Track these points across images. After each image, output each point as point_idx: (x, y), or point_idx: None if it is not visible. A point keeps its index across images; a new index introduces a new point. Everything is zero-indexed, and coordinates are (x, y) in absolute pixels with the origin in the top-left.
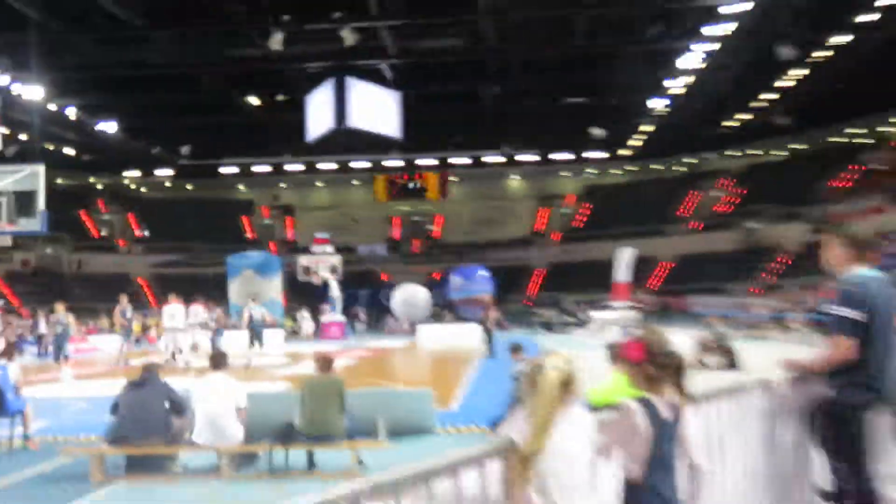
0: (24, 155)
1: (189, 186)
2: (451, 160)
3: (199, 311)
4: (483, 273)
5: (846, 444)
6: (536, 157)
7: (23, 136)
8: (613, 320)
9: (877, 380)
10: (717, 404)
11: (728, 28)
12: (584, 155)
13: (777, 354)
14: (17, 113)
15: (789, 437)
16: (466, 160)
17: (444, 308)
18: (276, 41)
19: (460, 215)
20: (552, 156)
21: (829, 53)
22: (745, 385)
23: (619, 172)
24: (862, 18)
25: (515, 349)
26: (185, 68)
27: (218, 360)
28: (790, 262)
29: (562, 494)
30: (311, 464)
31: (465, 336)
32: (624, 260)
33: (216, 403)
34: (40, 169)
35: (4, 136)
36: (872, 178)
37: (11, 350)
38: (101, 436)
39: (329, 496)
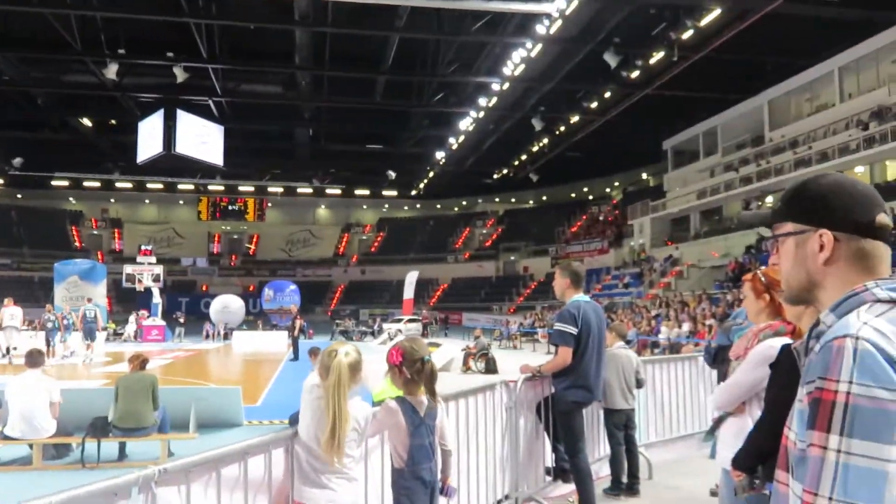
0: None
1: (19, 195)
2: (269, 188)
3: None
4: (292, 287)
5: (566, 431)
6: (341, 191)
7: None
8: (399, 331)
9: (589, 381)
10: (473, 400)
11: (492, 101)
12: (381, 192)
13: (523, 361)
14: None
15: (524, 426)
16: (281, 189)
17: (257, 316)
18: (112, 71)
19: (274, 236)
20: (355, 191)
21: (566, 128)
22: (493, 385)
23: (408, 208)
24: (589, 104)
25: (314, 352)
26: (23, 87)
27: (34, 358)
28: (538, 287)
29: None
30: (123, 454)
31: (273, 341)
32: (410, 280)
33: (30, 399)
34: None
35: None
36: (598, 226)
37: None
38: None
39: (120, 481)
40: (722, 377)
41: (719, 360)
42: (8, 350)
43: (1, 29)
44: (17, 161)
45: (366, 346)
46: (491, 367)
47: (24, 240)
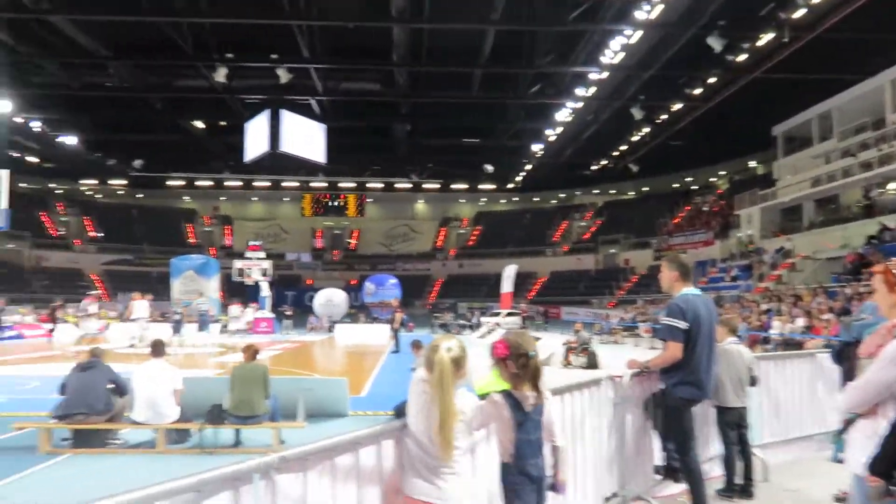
0: None
1: (139, 195)
2: (368, 184)
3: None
4: (392, 281)
5: (676, 428)
6: (438, 185)
7: None
8: (498, 324)
9: (699, 377)
10: (578, 396)
11: (591, 91)
12: (479, 186)
13: (627, 356)
14: None
15: (632, 423)
16: (380, 185)
17: (359, 310)
18: (221, 74)
19: (374, 231)
20: (452, 185)
21: (667, 116)
22: (598, 380)
23: (506, 202)
24: (692, 91)
25: (416, 345)
26: (139, 93)
27: (158, 348)
28: (639, 281)
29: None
30: (238, 441)
31: (375, 334)
32: (508, 274)
33: (155, 386)
34: (4, 173)
35: None
36: (702, 217)
37: None
38: (50, 412)
39: (243, 467)
40: (846, 375)
41: (844, 357)
42: (136, 339)
43: (119, 39)
44: (138, 163)
45: (465, 340)
46: (592, 362)
47: (144, 237)
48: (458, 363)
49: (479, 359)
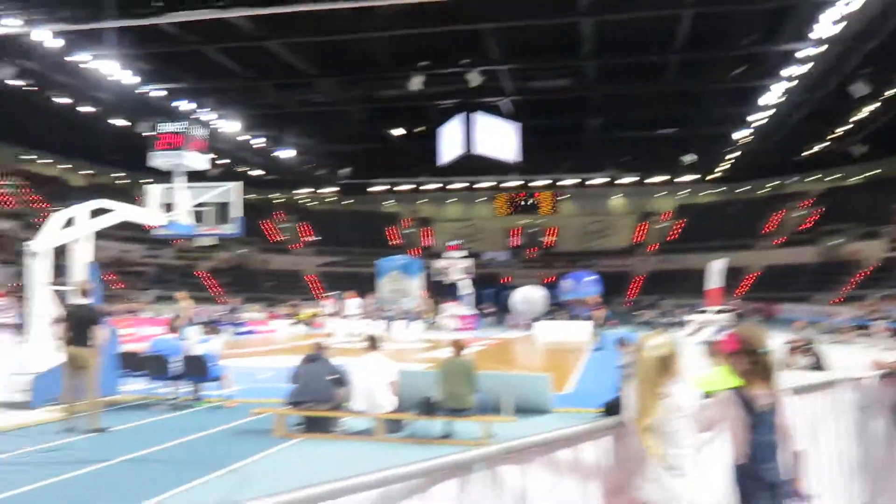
0: (223, 175)
1: (347, 201)
2: (562, 181)
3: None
4: (590, 278)
5: None
6: (635, 179)
7: (222, 161)
8: (708, 322)
9: None
10: (812, 398)
11: (804, 69)
12: (678, 178)
13: (860, 357)
14: (219, 142)
15: (880, 430)
16: (574, 181)
17: (558, 307)
18: (416, 83)
19: (570, 228)
20: (649, 178)
21: None
22: (836, 381)
23: (709, 193)
24: None
25: (623, 342)
26: (342, 106)
27: (373, 342)
28: (870, 275)
29: (671, 468)
30: (448, 432)
31: (575, 331)
32: (716, 269)
33: (372, 378)
34: (238, 185)
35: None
36: None
37: (215, 331)
38: (282, 399)
39: (468, 456)
40: None
41: None
42: (349, 335)
43: (324, 58)
44: (345, 171)
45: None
46: (819, 363)
47: (353, 240)
48: (667, 362)
49: (690, 358)
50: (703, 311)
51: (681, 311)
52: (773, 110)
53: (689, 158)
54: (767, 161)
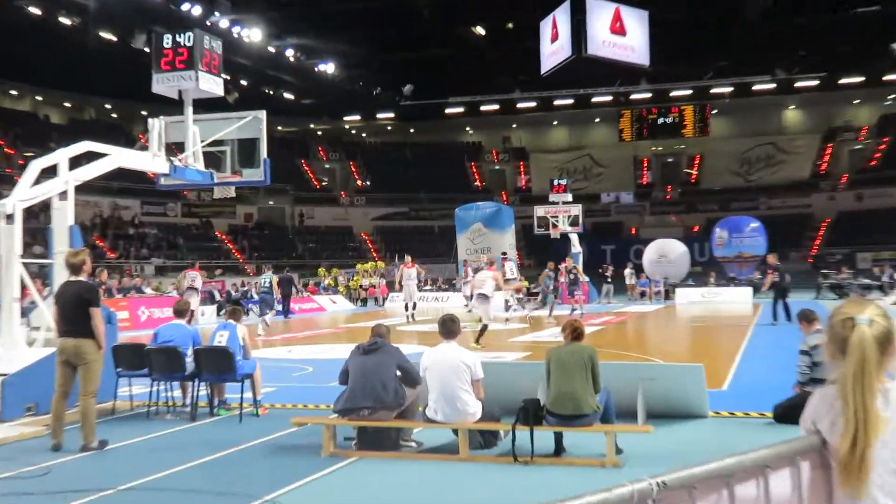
0: (244, 101)
1: (412, 130)
2: (712, 90)
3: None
4: (753, 225)
5: None
6: (817, 82)
7: (243, 82)
8: None
9: None
10: None
11: None
12: (882, 78)
13: None
14: (238, 56)
15: None
16: (728, 88)
17: (707, 266)
18: None
19: (723, 155)
20: (839, 80)
21: None
22: None
23: None
24: None
25: (808, 318)
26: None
27: (448, 327)
28: None
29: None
30: (559, 448)
31: (733, 301)
32: None
33: (450, 374)
34: (262, 114)
35: (226, 81)
36: None
37: (239, 315)
38: (330, 405)
39: (610, 496)
40: None
41: None
42: (407, 307)
43: None
44: (407, 89)
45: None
46: None
47: (420, 183)
48: (885, 342)
49: None
50: None
51: (885, 269)
52: None
53: None
54: None
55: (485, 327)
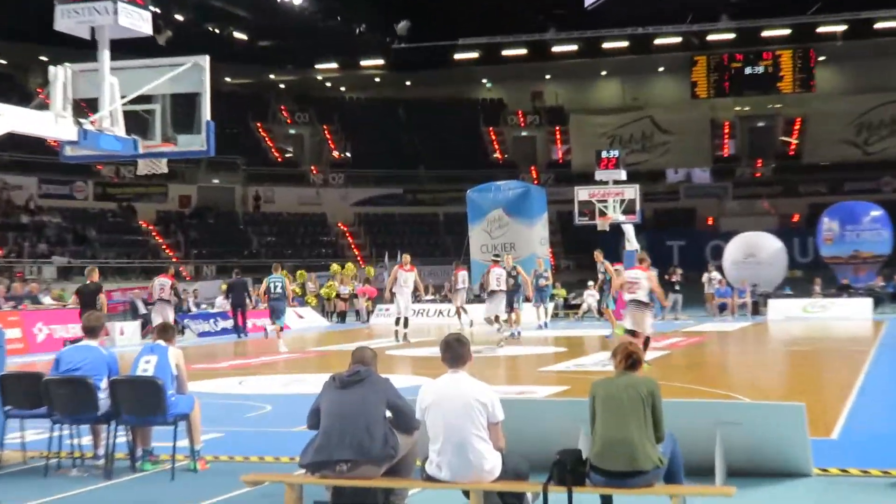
0: (181, 44)
1: (408, 83)
2: (819, 28)
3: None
4: (875, 213)
5: None
6: None
7: (179, 17)
8: None
9: None
10: None
11: None
12: None
13: None
14: None
15: None
16: (843, 27)
17: (810, 270)
18: None
19: (833, 119)
20: None
21: None
22: None
23: None
24: None
25: None
26: None
27: (455, 352)
28: None
29: None
30: None
31: (847, 317)
32: None
33: (458, 416)
34: (205, 61)
35: (155, 16)
36: None
37: (171, 334)
38: (295, 457)
39: None
40: None
41: None
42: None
43: None
44: (403, 26)
45: None
46: None
47: (417, 154)
48: None
49: None
50: None
51: None
52: None
53: None
54: None
55: (647, 341)
